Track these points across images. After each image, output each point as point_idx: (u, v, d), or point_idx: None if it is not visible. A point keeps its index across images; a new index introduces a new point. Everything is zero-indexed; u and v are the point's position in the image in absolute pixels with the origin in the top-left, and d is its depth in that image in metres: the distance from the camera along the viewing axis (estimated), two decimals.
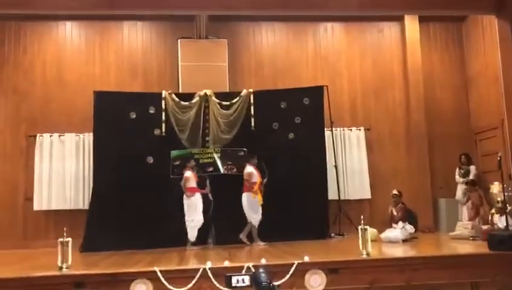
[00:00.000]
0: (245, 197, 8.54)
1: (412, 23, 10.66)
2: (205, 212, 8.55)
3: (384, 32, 10.94)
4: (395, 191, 8.87)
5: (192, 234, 8.36)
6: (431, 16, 10.39)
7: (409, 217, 8.66)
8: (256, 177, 8.59)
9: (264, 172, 8.74)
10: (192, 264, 5.82)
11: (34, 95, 9.97)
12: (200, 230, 8.97)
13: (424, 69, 10.68)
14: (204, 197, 8.65)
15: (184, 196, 8.47)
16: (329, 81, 10.21)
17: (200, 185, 8.68)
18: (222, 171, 9.18)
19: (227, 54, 10.03)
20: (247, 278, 2.20)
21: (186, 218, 8.40)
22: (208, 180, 8.78)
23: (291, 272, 5.33)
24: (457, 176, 9.48)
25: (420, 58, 10.62)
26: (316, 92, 9.79)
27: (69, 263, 5.53)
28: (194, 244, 8.34)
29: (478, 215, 8.37)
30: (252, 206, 8.50)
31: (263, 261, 5.51)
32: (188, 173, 8.55)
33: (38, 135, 9.73)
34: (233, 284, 2.22)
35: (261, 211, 8.53)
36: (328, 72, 10.61)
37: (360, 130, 10.44)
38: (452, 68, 10.98)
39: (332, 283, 5.40)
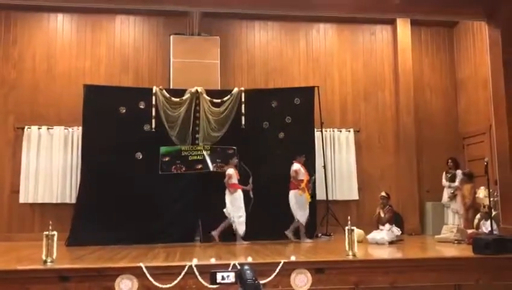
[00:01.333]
0: (292, 194, 8.60)
1: (403, 27, 10.74)
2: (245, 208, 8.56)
3: (376, 34, 11.00)
4: (383, 193, 8.93)
5: (241, 229, 8.35)
6: (423, 20, 10.48)
7: (395, 219, 8.74)
8: (303, 175, 8.65)
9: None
10: (178, 261, 5.80)
11: (23, 87, 9.87)
12: (187, 228, 8.98)
13: (415, 73, 10.77)
14: (245, 194, 8.62)
15: (227, 193, 8.50)
16: (320, 82, 10.25)
17: (242, 182, 8.68)
18: (211, 168, 9.17)
19: (219, 52, 10.01)
20: (232, 275, 2.20)
21: (232, 214, 8.39)
22: (251, 178, 8.74)
23: (277, 271, 5.34)
24: (443, 180, 9.56)
25: (411, 62, 10.71)
26: (307, 93, 9.83)
27: (54, 256, 5.48)
28: (243, 239, 8.34)
29: (466, 205, 8.48)
30: (299, 204, 8.56)
31: (249, 260, 5.51)
32: (231, 171, 8.57)
33: (26, 127, 9.63)
34: (218, 281, 2.21)
35: (308, 209, 8.61)
36: (319, 72, 10.65)
37: (349, 131, 10.49)
38: (442, 72, 11.09)
39: (317, 283, 5.43)
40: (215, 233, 8.42)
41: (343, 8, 7.78)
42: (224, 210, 8.46)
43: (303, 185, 8.58)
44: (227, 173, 8.59)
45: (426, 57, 11.09)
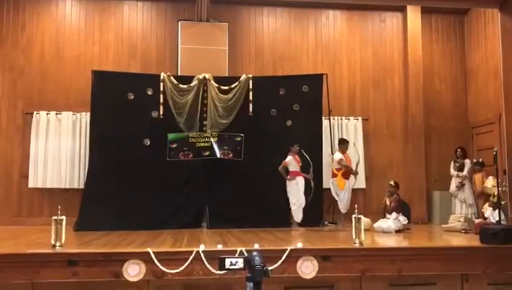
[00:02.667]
0: (332, 182, 8.88)
1: (414, 14, 10.61)
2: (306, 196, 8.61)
3: (386, 22, 10.89)
4: (391, 182, 8.90)
5: (297, 216, 8.41)
6: (434, 7, 10.35)
7: (402, 208, 8.72)
8: (345, 162, 8.84)
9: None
10: (185, 247, 5.84)
11: (32, 73, 9.90)
12: (194, 214, 9.03)
13: (424, 61, 10.66)
14: (307, 183, 8.66)
15: (287, 181, 8.53)
16: (329, 70, 10.19)
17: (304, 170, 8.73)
18: (218, 155, 9.18)
19: (227, 38, 9.96)
20: (240, 261, 2.21)
21: (290, 200, 8.46)
22: (311, 167, 8.73)
23: (283, 258, 5.36)
24: (452, 169, 9.51)
25: (421, 50, 10.60)
26: (316, 80, 9.78)
27: (63, 241, 5.53)
28: (299, 225, 8.40)
29: (476, 194, 8.57)
30: (336, 191, 8.82)
31: (256, 246, 5.53)
32: (288, 158, 8.56)
33: (35, 112, 9.68)
34: (226, 266, 2.22)
35: (346, 196, 8.82)
36: (328, 60, 10.57)
37: (357, 119, 10.44)
38: (452, 61, 10.97)
39: (324, 270, 5.44)
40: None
41: None
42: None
43: (340, 172, 8.77)
44: (284, 161, 8.57)
45: (436, 45, 10.97)
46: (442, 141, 10.51)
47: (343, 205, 8.84)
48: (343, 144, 9.18)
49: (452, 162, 9.58)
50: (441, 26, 11.02)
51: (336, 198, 8.92)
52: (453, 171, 9.50)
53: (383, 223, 8.17)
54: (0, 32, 9.90)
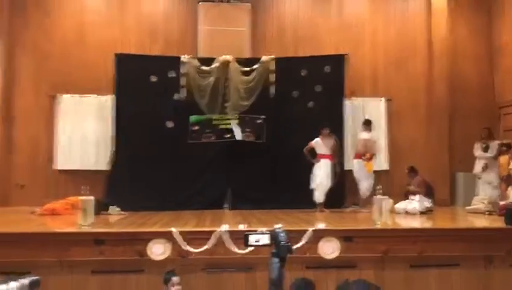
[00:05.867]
0: (358, 163, 8.82)
1: None
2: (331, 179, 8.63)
3: (409, 0, 10.64)
4: (407, 169, 8.81)
5: (318, 197, 8.44)
6: None
7: (426, 189, 8.65)
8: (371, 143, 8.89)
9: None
10: (208, 227, 5.93)
11: (56, 56, 10.02)
12: (216, 195, 9.14)
13: (450, 40, 10.40)
14: (333, 165, 8.68)
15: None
16: (351, 50, 10.05)
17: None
18: (240, 137, 9.22)
19: (248, 19, 9.90)
20: (265, 237, 2.25)
21: (315, 182, 8.47)
22: (340, 152, 8.77)
23: (305, 238, 5.39)
24: (477, 150, 9.35)
25: (445, 28, 10.32)
26: (338, 61, 9.69)
27: (90, 220, 5.67)
28: (325, 206, 8.43)
29: (503, 176, 8.42)
30: (362, 173, 8.79)
31: (277, 227, 5.57)
32: (315, 140, 8.55)
33: (60, 95, 9.84)
34: (250, 243, 2.27)
35: (369, 179, 8.76)
36: (350, 40, 10.41)
37: (380, 100, 10.31)
38: (478, 38, 10.67)
39: (345, 251, 5.46)
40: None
41: None
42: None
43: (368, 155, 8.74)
44: (310, 142, 8.57)
45: (462, 22, 10.67)
46: (467, 122, 10.30)
47: (368, 188, 8.74)
48: (368, 124, 9.06)
49: (477, 143, 9.41)
50: (467, 3, 10.71)
51: (359, 180, 8.80)
52: (477, 152, 9.34)
53: (408, 204, 8.12)
54: (25, 17, 10.03)
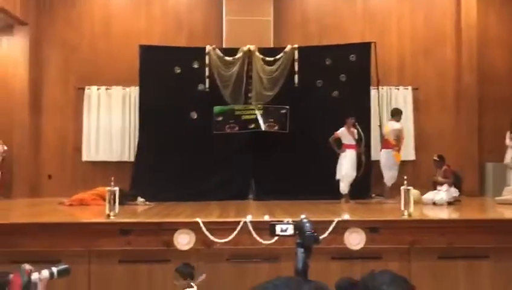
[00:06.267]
0: (386, 152, 8.66)
1: None
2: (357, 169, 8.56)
3: None
4: (435, 157, 8.65)
5: (343, 188, 8.38)
6: None
7: (453, 179, 8.48)
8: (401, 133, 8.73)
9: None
10: (233, 217, 5.94)
11: (83, 49, 10.17)
12: (240, 186, 9.15)
13: (479, 26, 10.11)
14: (358, 156, 8.60)
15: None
16: (377, 38, 9.85)
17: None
18: (263, 128, 9.20)
19: (272, 8, 9.82)
20: (291, 227, 2.24)
21: (341, 173, 8.38)
22: (362, 142, 8.61)
23: (330, 229, 5.35)
24: (508, 140, 9.10)
25: (475, 14, 10.04)
26: (363, 49, 9.52)
27: (116, 211, 5.75)
28: (351, 197, 8.36)
29: None
30: (390, 163, 8.62)
31: (302, 217, 5.55)
32: (340, 130, 8.46)
33: (86, 87, 9.98)
34: (277, 233, 2.26)
35: (395, 169, 8.61)
36: (376, 28, 10.23)
37: (407, 89, 10.12)
38: (508, 26, 10.35)
39: (371, 242, 5.40)
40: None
41: None
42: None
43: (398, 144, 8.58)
44: (336, 132, 8.46)
45: (493, 8, 10.35)
46: (497, 111, 10.03)
47: (394, 177, 8.59)
48: (398, 114, 8.89)
49: (508, 132, 9.16)
50: None
51: (385, 170, 8.65)
52: (508, 142, 9.09)
53: (435, 195, 7.98)
54: (52, 10, 10.19)
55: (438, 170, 8.56)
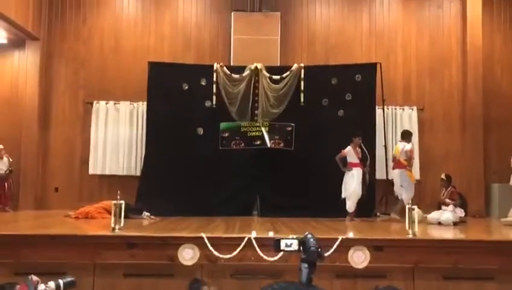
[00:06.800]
0: (398, 173, 8.61)
1: (474, 0, 10.15)
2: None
3: (444, 8, 10.51)
4: (443, 176, 8.65)
5: (350, 206, 8.34)
6: None
7: (459, 200, 8.47)
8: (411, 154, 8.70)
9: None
10: (237, 233, 5.95)
11: (92, 64, 10.32)
12: (245, 202, 9.17)
13: (485, 48, 10.20)
14: (363, 175, 8.59)
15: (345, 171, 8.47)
16: (383, 59, 9.97)
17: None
18: (269, 145, 9.25)
19: (279, 28, 9.97)
20: (295, 243, 2.26)
21: (348, 191, 8.36)
22: (368, 161, 8.67)
23: (335, 247, 5.34)
24: None
25: (481, 37, 10.13)
26: (369, 69, 9.61)
27: (121, 224, 5.78)
28: (355, 215, 8.34)
29: None
30: (405, 182, 8.58)
31: (307, 233, 5.55)
32: (347, 149, 8.47)
33: (95, 102, 10.10)
34: (281, 248, 2.29)
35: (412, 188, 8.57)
36: (382, 48, 10.35)
37: (412, 109, 10.18)
38: None
39: (376, 261, 5.38)
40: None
41: None
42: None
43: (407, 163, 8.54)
44: (343, 151, 8.45)
45: (498, 31, 10.46)
46: (502, 132, 10.06)
47: (410, 196, 8.52)
48: (408, 136, 8.86)
49: None
50: (504, 11, 10.50)
51: (399, 189, 8.58)
52: None
53: (440, 215, 7.96)
54: (63, 26, 10.39)
55: (444, 189, 8.54)
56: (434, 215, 8.02)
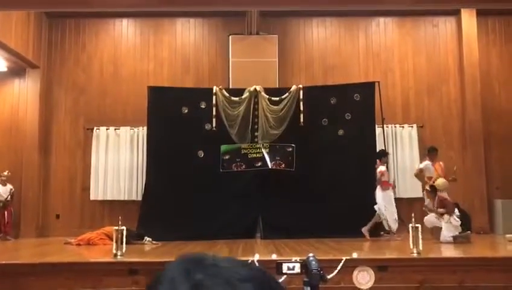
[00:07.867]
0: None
1: (469, 18, 10.27)
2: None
3: (439, 27, 10.62)
4: (427, 187, 8.54)
5: (393, 225, 8.40)
6: (490, 9, 9.99)
7: (451, 207, 8.22)
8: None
9: None
10: (240, 256, 5.90)
11: (92, 90, 10.39)
12: (247, 224, 9.11)
13: (482, 65, 10.28)
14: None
15: (378, 189, 8.55)
16: (381, 77, 10.04)
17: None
18: (270, 166, 9.24)
19: (277, 50, 10.06)
20: (297, 266, 2.24)
21: (382, 211, 8.39)
22: (394, 180, 8.91)
23: (339, 267, 5.28)
24: None
25: (477, 54, 10.22)
26: (368, 88, 9.66)
27: (123, 250, 5.74)
28: (393, 233, 8.40)
29: None
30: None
31: (309, 255, 5.50)
32: (382, 168, 8.63)
33: (95, 128, 10.13)
34: (283, 271, 2.26)
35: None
36: (380, 67, 10.42)
37: (412, 127, 10.20)
38: (510, 64, 10.51)
39: (381, 281, 5.32)
40: (364, 230, 8.41)
41: (404, 0, 7.58)
42: (375, 206, 8.49)
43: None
44: (378, 170, 8.62)
45: (494, 48, 10.55)
46: (504, 147, 10.05)
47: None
48: (433, 152, 8.91)
49: None
50: (498, 28, 10.61)
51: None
52: None
53: (435, 221, 7.87)
54: (63, 52, 10.48)
55: (431, 201, 8.31)
56: (429, 217, 7.96)
